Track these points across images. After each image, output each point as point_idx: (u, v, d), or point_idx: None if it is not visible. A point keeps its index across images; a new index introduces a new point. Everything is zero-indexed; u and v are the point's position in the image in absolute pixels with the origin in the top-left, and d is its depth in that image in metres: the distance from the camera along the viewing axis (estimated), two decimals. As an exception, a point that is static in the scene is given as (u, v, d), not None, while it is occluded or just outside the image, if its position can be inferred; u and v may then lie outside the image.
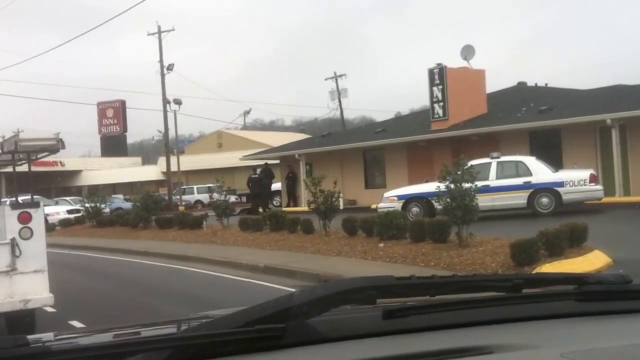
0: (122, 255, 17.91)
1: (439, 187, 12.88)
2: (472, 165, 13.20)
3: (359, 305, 1.70)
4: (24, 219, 7.52)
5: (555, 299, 1.82)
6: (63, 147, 8.21)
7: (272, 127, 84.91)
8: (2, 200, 15.35)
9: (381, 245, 13.62)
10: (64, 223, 28.13)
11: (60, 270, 15.72)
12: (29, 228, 7.53)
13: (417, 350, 1.47)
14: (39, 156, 8.93)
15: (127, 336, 1.94)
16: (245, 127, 70.44)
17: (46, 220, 28.07)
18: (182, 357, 1.44)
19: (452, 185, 12.43)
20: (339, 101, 57.42)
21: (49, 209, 30.01)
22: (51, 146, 8.24)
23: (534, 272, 9.21)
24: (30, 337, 1.54)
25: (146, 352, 1.45)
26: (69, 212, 29.70)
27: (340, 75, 57.77)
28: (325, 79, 58.30)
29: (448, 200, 12.42)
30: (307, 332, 1.53)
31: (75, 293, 11.85)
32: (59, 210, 30.09)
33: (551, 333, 1.60)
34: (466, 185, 12.36)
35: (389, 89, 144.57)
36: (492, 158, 18.48)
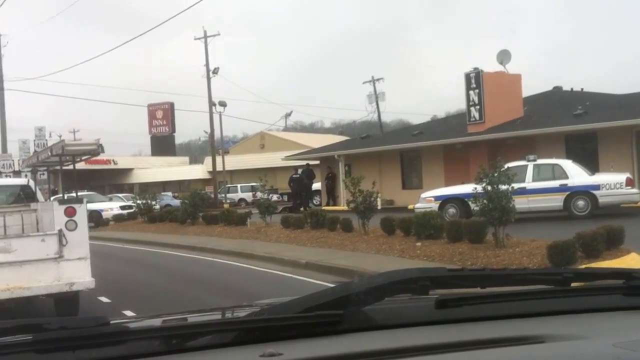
0: (172, 250, 18.16)
1: (475, 188, 12.72)
2: (508, 167, 12.98)
3: (413, 294, 1.71)
4: (70, 213, 8.08)
5: (603, 293, 1.82)
6: (102, 151, 8.83)
7: (311, 129, 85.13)
8: (58, 195, 15.83)
9: (418, 244, 13.51)
10: (117, 218, 28.61)
11: (114, 262, 16.02)
12: (74, 221, 8.06)
13: (469, 338, 1.48)
14: (82, 158, 9.57)
15: (188, 320, 1.98)
16: (286, 129, 70.73)
17: (100, 216, 28.82)
18: (246, 339, 1.48)
19: (489, 187, 12.26)
20: (377, 104, 57.18)
21: (103, 205, 30.66)
22: (92, 150, 8.85)
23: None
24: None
25: (215, 334, 1.50)
26: (122, 208, 30.20)
27: (377, 79, 57.57)
28: (363, 83, 58.10)
29: (485, 201, 12.26)
30: (364, 319, 1.55)
31: (128, 285, 12.10)
32: (112, 206, 30.61)
33: (601, 325, 1.60)
34: (503, 187, 12.18)
35: (425, 92, 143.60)
36: (528, 161, 18.18)
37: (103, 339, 1.40)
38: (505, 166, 13.37)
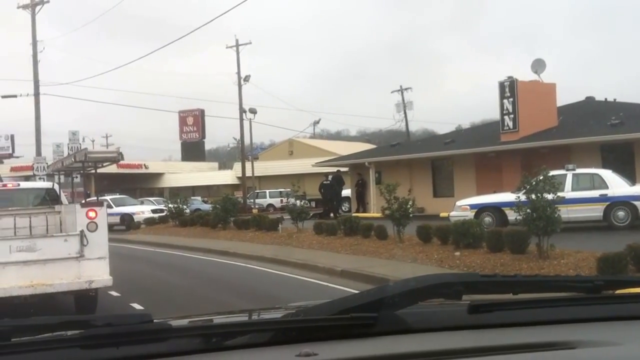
0: (204, 254, 17.76)
1: (519, 197, 12.12)
2: (554, 176, 12.36)
3: (446, 299, 1.69)
4: (91, 215, 8.44)
5: (634, 301, 1.80)
6: (122, 158, 9.36)
7: (337, 137, 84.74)
8: (91, 198, 15.81)
9: (457, 253, 12.92)
10: (149, 222, 28.31)
11: (147, 267, 15.69)
12: (95, 223, 8.39)
13: (501, 343, 1.48)
14: (104, 165, 9.96)
15: (227, 320, 2.00)
16: (313, 136, 70.44)
17: (132, 219, 28.61)
18: (283, 339, 1.49)
19: (533, 196, 11.66)
20: (405, 113, 56.73)
21: (134, 208, 30.48)
22: (113, 157, 9.33)
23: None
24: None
25: (253, 333, 1.52)
26: (153, 211, 29.90)
27: (406, 89, 57.19)
28: (392, 92, 57.83)
29: (528, 210, 11.65)
30: (397, 322, 1.55)
31: (161, 291, 11.72)
32: (144, 210, 30.35)
33: (632, 332, 1.59)
34: (548, 195, 11.57)
35: (450, 102, 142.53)
36: (567, 170, 17.47)
37: (146, 336, 1.42)
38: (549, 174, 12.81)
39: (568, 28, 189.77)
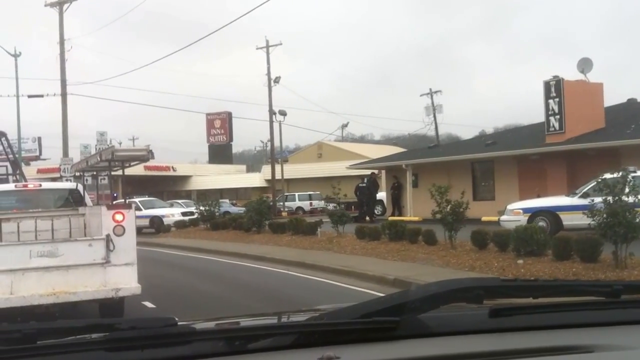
0: (239, 259, 16.73)
1: (592, 200, 10.96)
2: (633, 177, 11.18)
3: (468, 303, 1.66)
4: (118, 218, 7.87)
5: None
6: (152, 157, 8.86)
7: (362, 140, 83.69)
8: (119, 200, 15.06)
9: (520, 262, 11.76)
10: (179, 224, 27.39)
11: (180, 273, 14.69)
12: (122, 226, 7.81)
13: (521, 346, 1.47)
14: (131, 164, 9.46)
15: (250, 323, 1.99)
16: (339, 139, 69.49)
17: (162, 222, 27.73)
18: (305, 342, 1.47)
19: (611, 199, 10.49)
20: (434, 116, 55.51)
21: (164, 211, 29.58)
22: (142, 156, 8.87)
23: None
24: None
25: (276, 336, 1.50)
26: (184, 214, 28.99)
27: (435, 92, 56.08)
28: (421, 95, 56.98)
29: (604, 215, 10.47)
30: (419, 326, 1.54)
31: (198, 302, 10.71)
32: (174, 212, 29.42)
33: None
34: (629, 199, 10.39)
35: (474, 107, 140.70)
36: (627, 172, 16.14)
37: (170, 339, 1.40)
38: (601, 178, 11.70)
39: (595, 35, 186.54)
